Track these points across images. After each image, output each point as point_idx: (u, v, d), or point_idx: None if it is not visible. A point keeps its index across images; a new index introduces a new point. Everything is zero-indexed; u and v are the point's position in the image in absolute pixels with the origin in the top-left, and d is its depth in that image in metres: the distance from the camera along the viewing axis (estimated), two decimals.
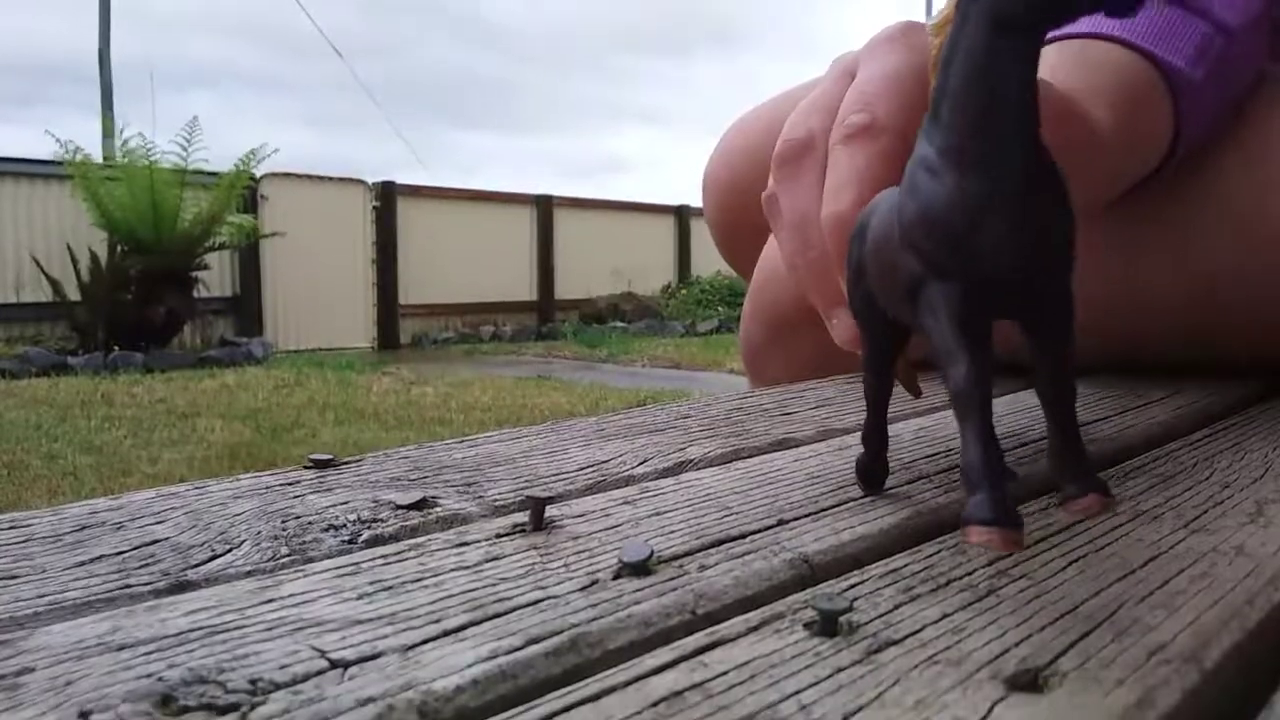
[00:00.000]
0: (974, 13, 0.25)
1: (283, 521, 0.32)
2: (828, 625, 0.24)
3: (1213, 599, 0.25)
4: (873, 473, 0.36)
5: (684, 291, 10.63)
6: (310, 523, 0.32)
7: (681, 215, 11.28)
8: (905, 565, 0.28)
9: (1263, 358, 0.67)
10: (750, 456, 0.42)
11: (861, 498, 0.35)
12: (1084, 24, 0.61)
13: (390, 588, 0.26)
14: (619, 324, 9.69)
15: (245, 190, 7.41)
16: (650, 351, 7.82)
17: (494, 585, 0.26)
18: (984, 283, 0.26)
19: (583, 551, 0.29)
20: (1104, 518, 0.33)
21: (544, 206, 10.10)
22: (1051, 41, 0.62)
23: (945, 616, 0.25)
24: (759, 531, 0.31)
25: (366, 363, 6.98)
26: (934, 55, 0.28)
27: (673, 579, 0.27)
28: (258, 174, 7.63)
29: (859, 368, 0.37)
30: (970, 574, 0.28)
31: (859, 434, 0.46)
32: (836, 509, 0.34)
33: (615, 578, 0.27)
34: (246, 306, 8.04)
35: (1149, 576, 0.27)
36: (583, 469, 0.40)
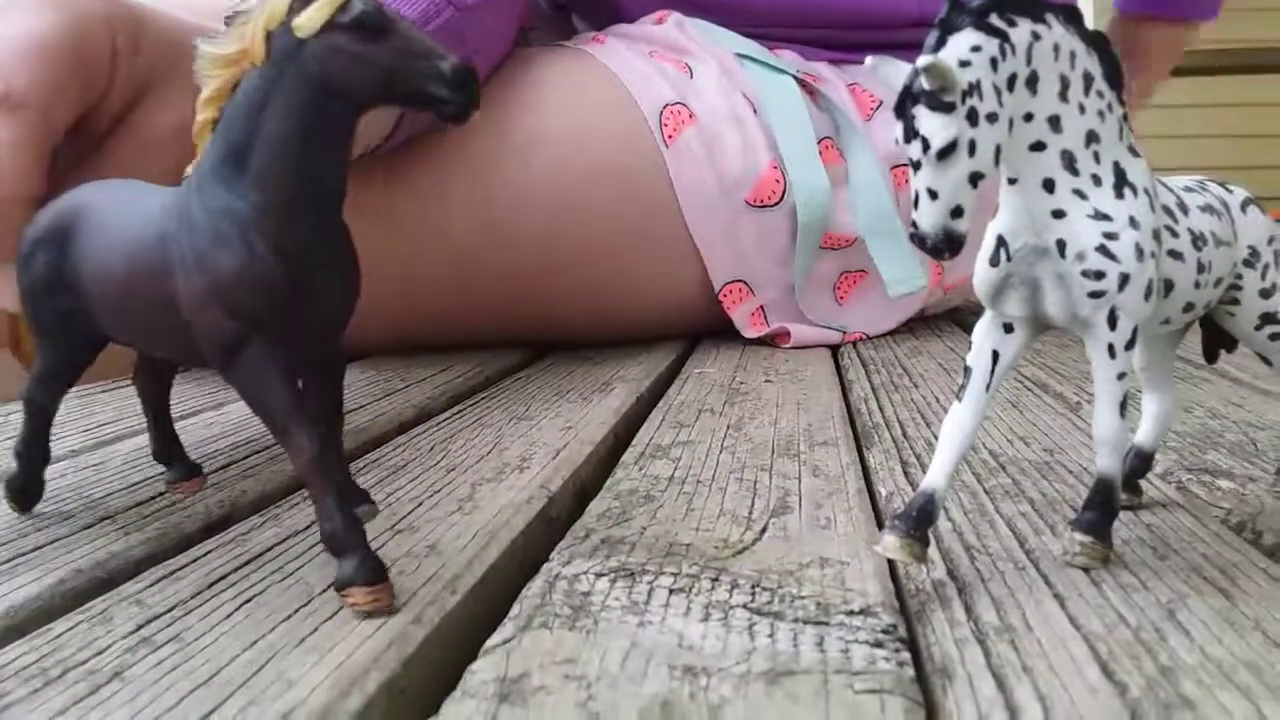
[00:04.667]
0: (294, 74, 0.24)
1: None
2: None
3: (377, 623, 0.23)
4: (29, 492, 0.33)
5: None
6: None
7: None
8: (17, 657, 0.22)
9: (514, 330, 0.72)
10: None
11: (2, 564, 0.28)
12: None
13: None
14: None
15: None
16: None
17: None
18: (299, 333, 0.25)
19: None
20: (306, 528, 0.30)
21: None
22: None
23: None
24: None
25: None
26: (216, 89, 0.25)
27: None
28: None
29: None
30: (103, 652, 0.22)
31: (50, 467, 0.38)
32: None
33: None
34: None
35: (322, 607, 0.24)
36: None
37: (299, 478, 0.26)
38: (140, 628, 0.23)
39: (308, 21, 0.23)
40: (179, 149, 0.40)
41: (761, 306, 0.72)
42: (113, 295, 0.28)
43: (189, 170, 0.26)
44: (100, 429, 0.46)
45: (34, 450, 0.32)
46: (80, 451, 0.41)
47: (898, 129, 0.24)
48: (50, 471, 0.37)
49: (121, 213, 0.28)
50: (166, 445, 0.35)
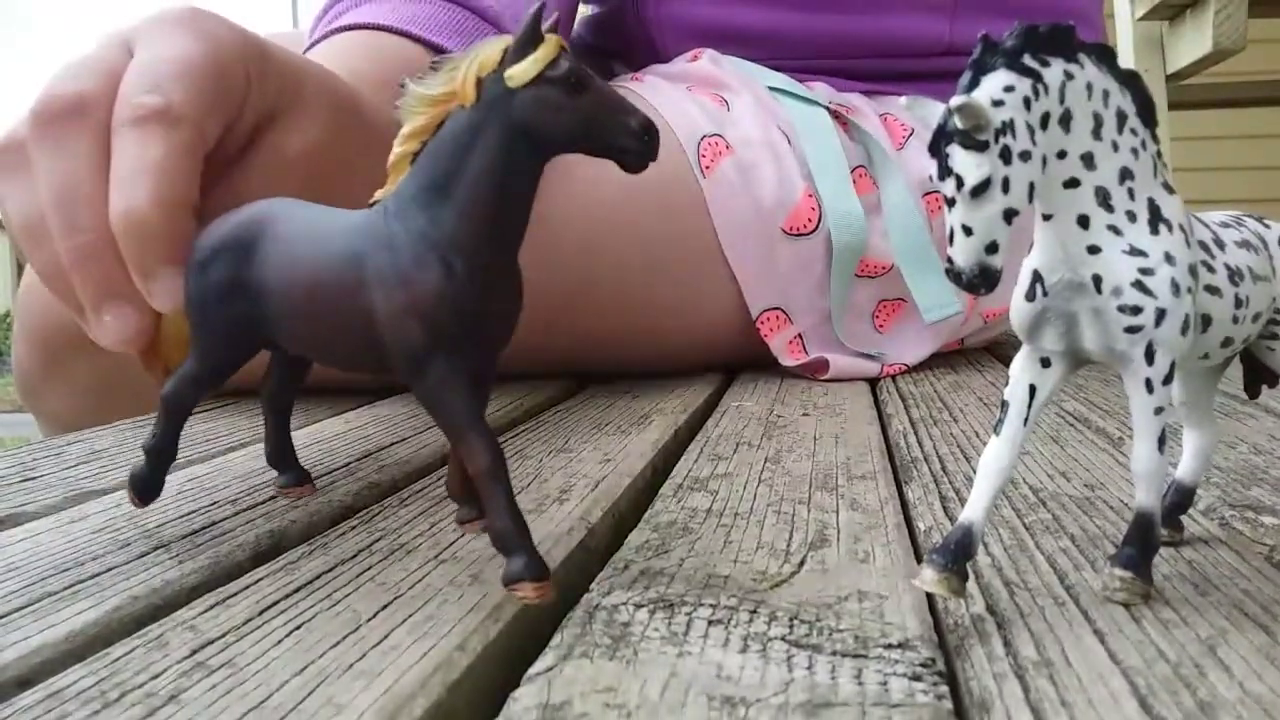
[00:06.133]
0: (500, 118, 0.26)
1: None
2: None
3: (423, 650, 0.24)
4: (151, 487, 0.34)
5: None
6: None
7: None
8: (77, 680, 0.23)
9: (551, 358, 0.72)
10: None
11: (63, 590, 0.28)
12: (366, 14, 0.60)
13: None
14: None
15: None
16: None
17: None
18: (475, 348, 0.27)
19: None
20: (354, 557, 0.31)
21: None
22: (336, 32, 0.60)
23: None
24: None
25: None
26: (420, 125, 0.27)
27: None
28: None
29: (150, 393, 0.34)
30: (159, 676, 0.23)
31: (108, 496, 0.39)
32: (22, 611, 0.27)
33: None
34: None
35: (369, 633, 0.25)
36: None
37: (472, 480, 0.27)
38: (194, 653, 0.24)
39: (521, 73, 0.26)
40: (305, 171, 0.43)
41: (800, 334, 0.72)
42: (298, 306, 0.29)
43: (378, 195, 0.28)
44: None
45: (165, 448, 0.34)
46: None
47: (932, 167, 0.24)
48: (106, 502, 0.38)
49: (307, 228, 0.30)
50: (281, 451, 0.37)
